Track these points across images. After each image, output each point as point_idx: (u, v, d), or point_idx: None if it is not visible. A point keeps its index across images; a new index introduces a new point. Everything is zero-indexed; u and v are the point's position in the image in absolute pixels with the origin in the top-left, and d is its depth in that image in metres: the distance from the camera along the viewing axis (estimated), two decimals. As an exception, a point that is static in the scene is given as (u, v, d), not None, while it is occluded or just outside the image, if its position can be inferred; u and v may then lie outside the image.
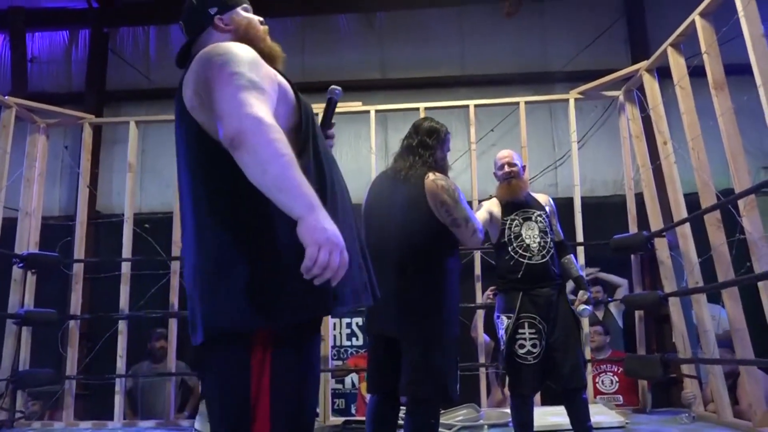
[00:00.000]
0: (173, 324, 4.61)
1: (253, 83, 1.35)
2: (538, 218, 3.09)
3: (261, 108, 1.30)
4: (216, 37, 1.56)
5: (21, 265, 4.54)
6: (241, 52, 1.43)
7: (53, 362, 4.79)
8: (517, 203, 3.14)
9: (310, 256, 1.20)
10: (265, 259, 1.26)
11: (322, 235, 1.21)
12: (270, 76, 1.42)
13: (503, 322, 3.02)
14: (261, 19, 1.66)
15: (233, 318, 1.32)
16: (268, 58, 1.54)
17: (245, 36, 1.57)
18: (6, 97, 4.69)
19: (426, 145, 2.64)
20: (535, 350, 2.91)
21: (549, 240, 3.04)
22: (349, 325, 5.53)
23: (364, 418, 2.77)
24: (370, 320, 2.66)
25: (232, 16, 1.60)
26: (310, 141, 1.45)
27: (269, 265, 1.30)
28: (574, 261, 3.23)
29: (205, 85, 1.38)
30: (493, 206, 3.22)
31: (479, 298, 4.62)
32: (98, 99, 6.20)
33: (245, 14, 1.63)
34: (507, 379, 3.04)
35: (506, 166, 3.20)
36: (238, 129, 1.27)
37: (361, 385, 5.09)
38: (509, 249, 3.05)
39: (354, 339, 5.51)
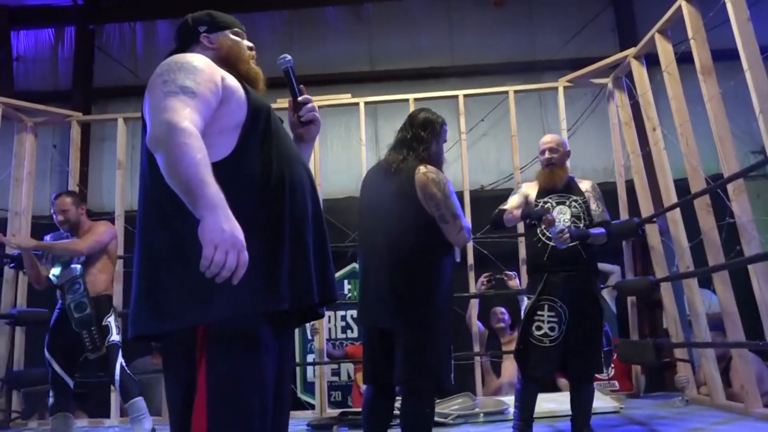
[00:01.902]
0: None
1: (183, 88, 1.40)
2: (573, 203, 3.05)
3: (182, 113, 1.35)
4: (197, 53, 1.59)
5: (12, 265, 4.49)
6: (186, 59, 1.48)
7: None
8: (554, 189, 3.11)
9: (205, 255, 1.24)
10: (196, 259, 1.27)
11: (219, 236, 1.24)
12: (212, 80, 1.45)
13: (524, 302, 3.02)
14: (250, 45, 1.70)
15: (164, 319, 1.37)
16: (249, 81, 1.60)
17: (226, 57, 1.62)
18: (-8, 97, 4.65)
19: (420, 139, 2.62)
20: (552, 333, 2.89)
21: (581, 226, 2.98)
22: (343, 318, 5.53)
23: (360, 410, 2.77)
24: (363, 312, 2.66)
25: (219, 36, 1.64)
26: (257, 139, 1.48)
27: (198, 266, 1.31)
28: (597, 229, 3.05)
29: (147, 91, 1.46)
30: (530, 189, 3.20)
31: (473, 288, 4.64)
32: (86, 96, 6.17)
33: (233, 37, 1.66)
34: (519, 360, 3.00)
35: (547, 152, 3.17)
36: (155, 134, 1.35)
37: (356, 376, 5.11)
38: (537, 231, 3.04)
39: (349, 331, 5.52)
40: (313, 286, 1.47)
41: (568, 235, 2.82)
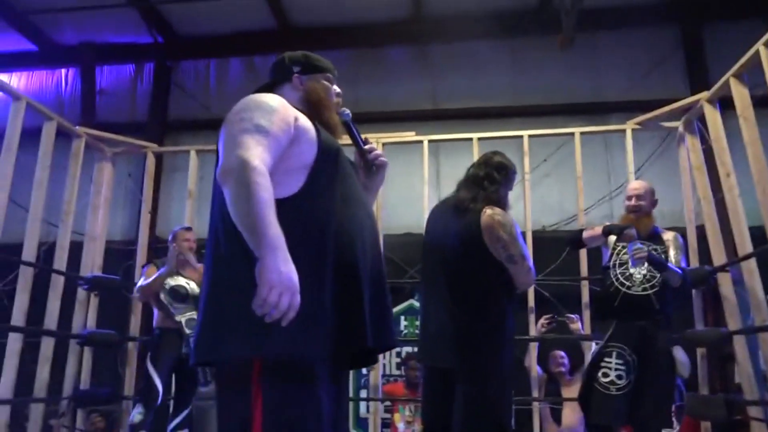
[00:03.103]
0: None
1: (258, 127, 1.44)
2: (653, 251, 2.99)
3: (254, 151, 1.39)
4: (286, 93, 1.65)
5: (86, 287, 4.72)
6: (263, 99, 1.53)
7: (112, 382, 4.93)
8: (638, 237, 3.03)
9: (260, 295, 1.26)
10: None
11: (276, 277, 1.27)
12: (285, 120, 1.49)
13: (593, 347, 2.97)
14: (339, 91, 1.74)
15: (223, 347, 1.39)
16: (328, 128, 1.63)
17: (312, 102, 1.66)
18: (77, 128, 4.94)
19: (493, 179, 2.63)
20: (620, 382, 2.81)
21: (658, 276, 2.92)
22: (399, 354, 5.49)
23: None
24: (423, 349, 2.65)
25: (311, 80, 1.69)
26: (324, 181, 1.50)
27: None
28: (674, 266, 2.97)
29: (223, 126, 1.51)
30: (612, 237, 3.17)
31: (532, 331, 4.53)
32: (160, 129, 6.49)
33: (324, 82, 1.71)
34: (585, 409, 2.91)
35: (634, 199, 3.13)
36: (226, 168, 1.40)
37: (394, 417, 5.04)
38: (611, 274, 2.99)
39: (403, 368, 5.46)
40: (367, 330, 1.46)
41: (645, 253, 2.76)
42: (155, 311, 3.74)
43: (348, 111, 1.73)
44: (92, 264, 4.97)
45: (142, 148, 5.38)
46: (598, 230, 3.07)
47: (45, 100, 6.55)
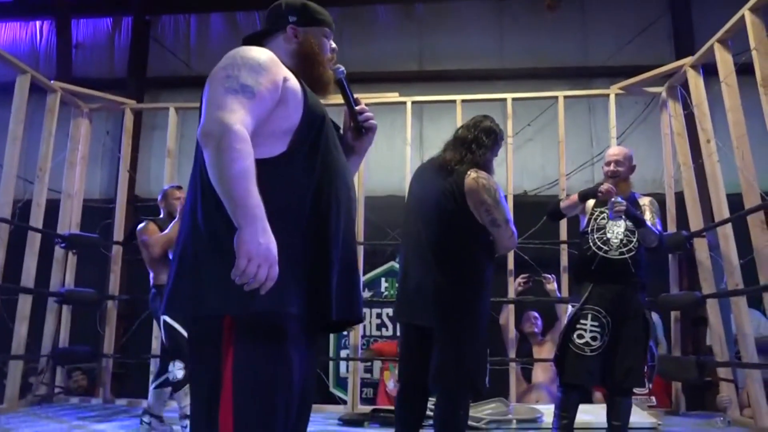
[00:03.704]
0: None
1: (243, 87, 1.39)
2: (632, 207, 3.00)
3: (237, 114, 1.35)
4: (278, 44, 1.58)
5: (63, 245, 4.67)
6: (252, 55, 1.45)
7: (91, 341, 4.92)
8: None
9: (239, 266, 1.26)
10: (232, 254, 1.29)
11: (254, 248, 1.26)
12: (274, 80, 1.44)
13: (570, 310, 3.02)
14: (335, 47, 1.66)
15: (196, 304, 1.39)
16: (319, 84, 1.57)
17: (305, 55, 1.58)
18: (52, 82, 4.81)
19: (481, 143, 2.63)
20: (594, 343, 2.87)
21: (634, 240, 2.95)
22: (379, 315, 5.55)
23: (392, 407, 2.78)
24: (401, 307, 2.67)
25: (307, 32, 1.60)
26: (306, 147, 1.47)
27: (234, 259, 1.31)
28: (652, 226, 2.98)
29: (209, 80, 1.45)
30: (589, 198, 3.18)
31: (511, 293, 4.59)
32: (139, 85, 6.34)
33: (321, 38, 1.63)
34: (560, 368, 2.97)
35: (613, 164, 3.13)
36: (207, 130, 1.35)
37: (384, 374, 5.12)
38: (589, 239, 3.02)
39: (384, 329, 5.53)
40: (332, 303, 1.45)
41: (624, 206, 2.81)
42: (151, 271, 3.63)
43: (343, 68, 1.67)
44: (70, 222, 4.91)
45: (120, 105, 5.27)
46: (575, 197, 3.09)
47: (19, 52, 6.36)
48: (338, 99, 1.69)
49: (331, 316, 1.45)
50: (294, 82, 1.49)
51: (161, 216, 3.79)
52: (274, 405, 1.36)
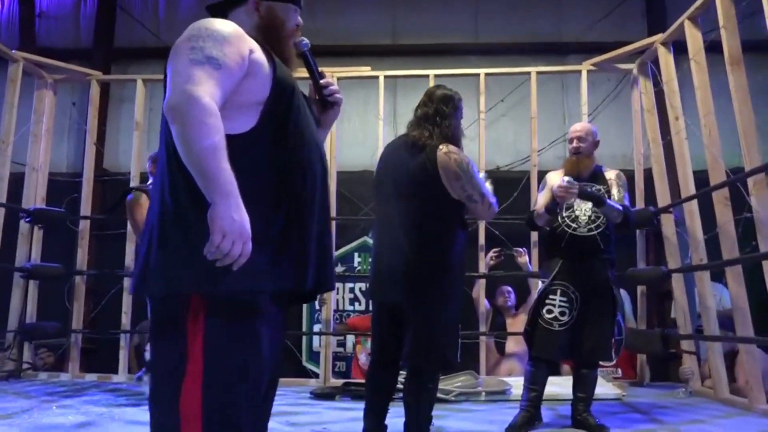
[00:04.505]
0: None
1: (209, 59, 1.36)
2: (585, 188, 2.99)
3: (205, 87, 1.32)
4: (240, 16, 1.54)
5: (28, 219, 4.58)
6: (217, 27, 1.42)
7: (60, 316, 4.86)
8: (580, 178, 3.05)
9: (212, 241, 1.25)
10: (200, 231, 1.28)
11: (228, 225, 1.25)
12: (239, 52, 1.41)
13: (540, 285, 3.05)
14: (300, 22, 1.62)
15: (166, 282, 1.37)
16: (283, 60, 1.54)
17: (265, 29, 1.55)
18: (13, 52, 4.66)
19: (443, 114, 2.61)
20: (563, 318, 2.91)
21: (602, 217, 2.97)
22: (352, 290, 5.56)
23: (363, 381, 2.80)
24: (374, 286, 2.67)
25: (270, 6, 1.56)
26: (277, 119, 1.45)
27: (204, 236, 1.30)
28: (615, 203, 2.99)
29: (172, 53, 1.41)
30: (555, 178, 3.18)
31: (482, 268, 4.64)
32: (106, 56, 6.16)
33: (286, 12, 1.58)
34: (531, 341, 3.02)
35: (575, 141, 3.13)
36: (175, 102, 1.32)
37: (356, 348, 5.16)
38: (558, 217, 3.04)
39: (356, 303, 5.56)
40: (309, 271, 1.46)
41: (576, 190, 2.81)
42: None
43: (307, 41, 1.64)
44: (35, 196, 4.81)
45: (86, 76, 5.14)
46: (542, 211, 3.07)
47: (-21, 21, 6.14)
48: (305, 72, 1.67)
49: (307, 285, 1.46)
50: (260, 54, 1.46)
51: (150, 183, 3.61)
52: (245, 385, 1.36)
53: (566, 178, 2.88)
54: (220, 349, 1.34)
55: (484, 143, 4.74)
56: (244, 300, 1.37)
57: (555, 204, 2.96)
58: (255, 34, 1.52)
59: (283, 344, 1.64)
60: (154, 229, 1.41)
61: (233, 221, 1.26)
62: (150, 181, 3.67)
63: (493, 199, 2.62)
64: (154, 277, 1.38)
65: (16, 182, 4.68)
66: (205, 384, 1.32)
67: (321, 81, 1.66)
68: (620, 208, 2.96)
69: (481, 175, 2.70)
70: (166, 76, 1.42)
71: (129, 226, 4.69)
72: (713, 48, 3.66)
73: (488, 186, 2.67)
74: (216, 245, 1.25)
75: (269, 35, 1.54)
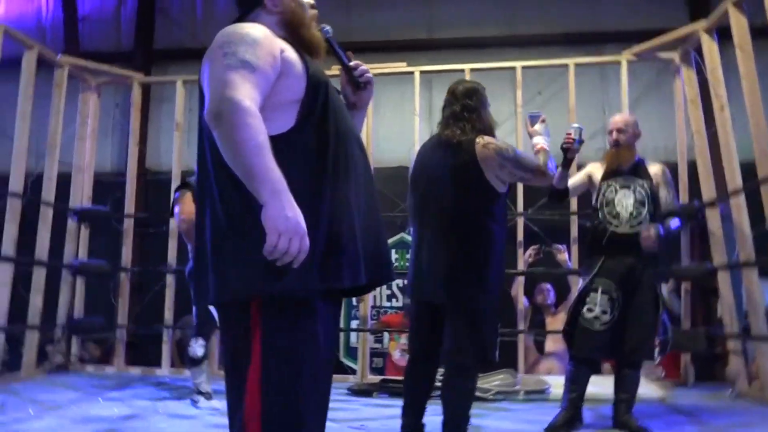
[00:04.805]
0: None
1: (243, 63, 1.38)
2: (638, 188, 2.96)
3: (243, 89, 1.34)
4: (262, 18, 1.56)
5: (75, 218, 4.73)
6: (246, 31, 1.45)
7: (106, 312, 5.01)
8: (620, 171, 3.02)
9: (270, 242, 1.26)
10: (252, 232, 1.30)
11: (283, 223, 1.26)
12: (272, 53, 1.43)
13: (580, 283, 3.02)
14: (312, 2, 1.64)
15: (222, 290, 1.40)
16: (310, 47, 1.56)
17: (289, 21, 1.57)
18: (59, 57, 4.80)
19: (470, 108, 2.60)
20: (604, 317, 2.86)
21: (644, 212, 2.91)
22: (389, 286, 5.58)
23: (400, 378, 2.80)
24: (414, 285, 2.66)
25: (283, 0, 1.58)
26: (315, 115, 1.46)
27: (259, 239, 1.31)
28: (674, 223, 3.03)
29: (206, 61, 1.44)
30: (595, 169, 3.14)
31: (520, 264, 4.58)
32: (147, 58, 6.30)
33: (298, 0, 1.61)
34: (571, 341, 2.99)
35: (615, 133, 3.07)
36: (215, 110, 1.34)
37: (390, 345, 5.16)
38: (599, 214, 2.99)
39: (394, 300, 5.57)
40: (360, 265, 1.46)
41: (652, 242, 2.82)
42: (189, 243, 3.53)
43: (328, 27, 1.66)
44: (81, 195, 4.96)
45: (128, 78, 5.26)
46: (558, 170, 3.00)
47: (25, 27, 6.31)
48: (331, 69, 1.67)
49: (360, 281, 1.47)
50: (291, 53, 1.49)
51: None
52: (303, 384, 1.39)
53: (574, 125, 2.83)
54: (277, 350, 1.37)
55: (522, 137, 4.67)
56: (298, 299, 1.40)
57: (568, 162, 2.89)
58: (280, 30, 1.54)
59: (337, 339, 1.67)
60: (204, 237, 1.45)
61: (287, 219, 1.26)
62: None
63: (551, 164, 2.59)
64: (211, 287, 1.42)
65: (64, 182, 4.83)
66: (263, 384, 1.36)
67: (350, 63, 1.67)
68: (678, 225, 3.00)
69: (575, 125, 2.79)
70: (201, 84, 1.45)
71: (171, 224, 4.80)
72: (760, 33, 3.52)
73: (538, 130, 2.64)
74: (273, 245, 1.26)
75: (294, 25, 1.57)
